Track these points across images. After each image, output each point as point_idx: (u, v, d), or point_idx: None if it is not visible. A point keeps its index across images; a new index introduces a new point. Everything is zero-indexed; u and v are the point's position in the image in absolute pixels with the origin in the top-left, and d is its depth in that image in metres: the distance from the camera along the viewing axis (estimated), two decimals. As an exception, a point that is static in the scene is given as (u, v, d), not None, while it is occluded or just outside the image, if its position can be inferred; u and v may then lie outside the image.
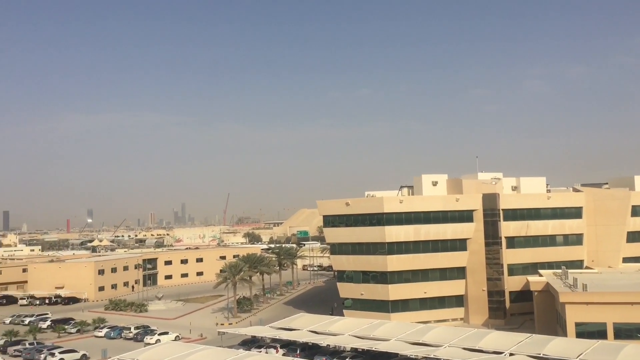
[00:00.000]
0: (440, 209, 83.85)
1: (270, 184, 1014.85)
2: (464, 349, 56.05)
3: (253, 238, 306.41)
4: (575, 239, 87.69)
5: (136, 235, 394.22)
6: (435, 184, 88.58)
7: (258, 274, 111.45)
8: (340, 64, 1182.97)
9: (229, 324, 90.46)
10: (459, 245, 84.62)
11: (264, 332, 70.48)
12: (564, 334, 60.69)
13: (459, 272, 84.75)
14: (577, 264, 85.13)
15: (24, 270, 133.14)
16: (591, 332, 58.72)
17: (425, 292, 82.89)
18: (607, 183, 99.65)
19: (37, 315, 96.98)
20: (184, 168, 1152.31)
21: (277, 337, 66.93)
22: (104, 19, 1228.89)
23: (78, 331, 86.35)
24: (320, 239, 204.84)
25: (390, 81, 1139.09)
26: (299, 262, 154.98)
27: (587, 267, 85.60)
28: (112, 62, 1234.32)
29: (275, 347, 65.52)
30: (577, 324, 59.92)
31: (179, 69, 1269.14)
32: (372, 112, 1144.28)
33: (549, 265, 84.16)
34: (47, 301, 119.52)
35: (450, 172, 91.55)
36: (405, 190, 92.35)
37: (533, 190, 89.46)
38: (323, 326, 69.01)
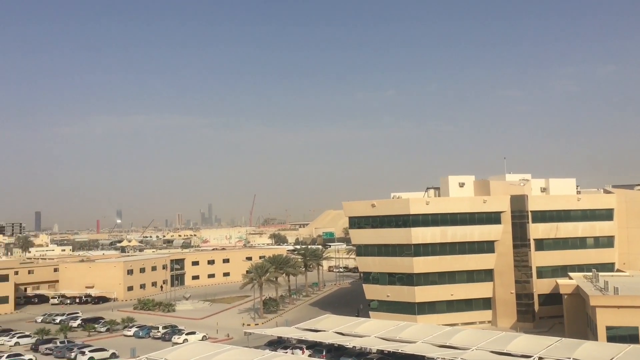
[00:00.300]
0: (467, 211, 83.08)
1: (296, 185, 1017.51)
2: (492, 352, 55.44)
3: (279, 239, 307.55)
4: (606, 242, 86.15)
5: (164, 236, 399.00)
6: (462, 185, 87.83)
7: (284, 275, 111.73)
8: (366, 65, 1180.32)
9: (255, 324, 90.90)
10: (486, 247, 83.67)
11: (290, 333, 70.66)
12: (595, 338, 59.64)
13: (486, 275, 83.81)
14: (608, 267, 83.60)
15: (55, 270, 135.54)
16: (622, 336, 57.62)
17: (452, 295, 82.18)
18: (639, 184, 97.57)
19: (68, 314, 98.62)
20: (211, 169, 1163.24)
21: (303, 338, 67.03)
22: (132, 20, 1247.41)
23: (107, 330, 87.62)
24: (346, 240, 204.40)
25: (417, 82, 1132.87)
26: (325, 264, 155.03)
27: (618, 270, 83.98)
28: (141, 65, 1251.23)
29: (301, 348, 65.61)
30: (608, 328, 58.85)
31: (206, 70, 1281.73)
32: (399, 113, 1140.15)
33: (579, 267, 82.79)
34: (77, 300, 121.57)
35: (477, 174, 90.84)
36: (431, 191, 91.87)
37: (562, 191, 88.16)
38: (349, 328, 68.94)
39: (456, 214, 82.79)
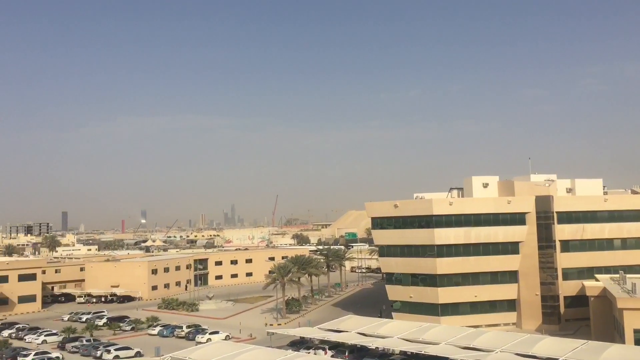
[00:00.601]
0: (492, 211, 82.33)
1: (319, 186, 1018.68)
2: (517, 354, 54.87)
3: (301, 239, 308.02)
4: (634, 243, 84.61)
5: (187, 236, 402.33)
6: (486, 185, 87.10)
7: (306, 275, 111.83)
8: (389, 65, 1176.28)
9: (278, 324, 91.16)
10: (510, 248, 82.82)
11: (313, 333, 70.77)
12: (622, 341, 58.55)
13: (510, 276, 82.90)
14: (636, 269, 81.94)
15: (82, 269, 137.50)
16: (651, 339, 56.53)
17: (475, 296, 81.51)
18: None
19: (94, 313, 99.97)
20: (234, 170, 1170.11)
21: (326, 339, 67.08)
22: (156, 20, 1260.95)
23: (132, 329, 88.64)
24: (369, 240, 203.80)
25: (441, 82, 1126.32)
26: (347, 264, 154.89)
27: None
28: (165, 66, 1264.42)
29: (323, 349, 65.66)
30: (636, 331, 57.74)
31: (229, 71, 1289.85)
32: (422, 113, 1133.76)
33: (606, 269, 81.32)
34: (103, 299, 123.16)
35: (501, 174, 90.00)
36: (455, 192, 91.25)
37: (589, 192, 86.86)
38: (372, 328, 68.80)
39: (480, 215, 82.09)
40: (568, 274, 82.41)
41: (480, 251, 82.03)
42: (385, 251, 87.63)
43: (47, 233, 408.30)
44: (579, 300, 77.77)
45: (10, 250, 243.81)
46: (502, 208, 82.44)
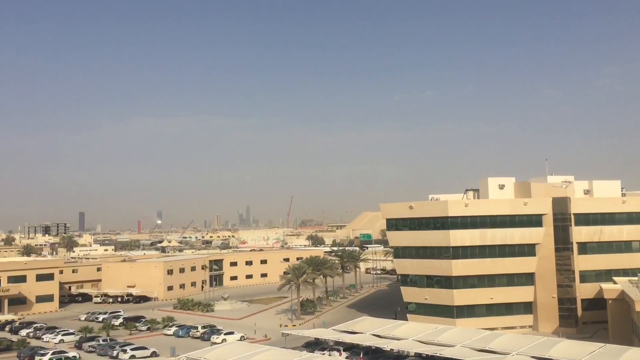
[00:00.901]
0: (508, 213, 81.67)
1: (333, 187, 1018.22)
2: (533, 357, 54.35)
3: (316, 241, 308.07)
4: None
5: (203, 237, 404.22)
6: (502, 187, 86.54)
7: (321, 276, 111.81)
8: (404, 67, 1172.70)
9: (293, 325, 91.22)
10: (527, 250, 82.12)
11: (327, 334, 70.72)
12: (641, 345, 57.85)
13: (527, 278, 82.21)
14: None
15: (98, 270, 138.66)
16: (671, 343, 55.75)
17: (491, 298, 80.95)
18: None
19: (110, 313, 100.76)
20: (249, 171, 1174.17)
21: (340, 340, 66.97)
22: (172, 20, 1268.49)
23: (148, 329, 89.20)
24: (384, 242, 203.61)
25: (455, 83, 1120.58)
26: (362, 265, 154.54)
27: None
28: (179, 67, 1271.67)
29: (338, 350, 65.55)
30: (655, 335, 57.04)
31: (244, 72, 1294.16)
32: (437, 114, 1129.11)
33: (624, 272, 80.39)
34: (119, 299, 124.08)
35: (517, 175, 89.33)
36: (470, 193, 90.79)
37: (607, 194, 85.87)
38: (386, 330, 68.58)
39: (496, 217, 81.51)
40: (585, 277, 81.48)
41: (496, 253, 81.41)
42: (400, 253, 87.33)
43: (65, 233, 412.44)
44: (597, 303, 76.92)
45: (28, 251, 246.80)
46: (519, 209, 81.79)
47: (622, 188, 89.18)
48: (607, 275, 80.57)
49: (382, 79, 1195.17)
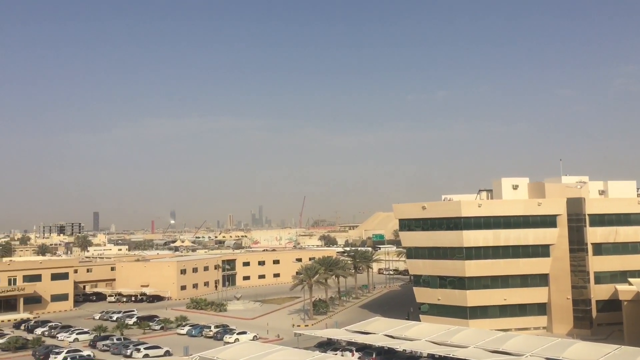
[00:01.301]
0: (521, 214, 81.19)
1: (346, 187, 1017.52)
2: (547, 359, 53.96)
3: (329, 241, 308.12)
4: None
5: (215, 237, 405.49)
6: (515, 187, 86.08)
7: (334, 276, 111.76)
8: (417, 66, 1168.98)
9: (305, 325, 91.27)
10: (541, 251, 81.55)
11: (340, 334, 70.67)
12: (657, 347, 57.16)
13: (541, 279, 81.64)
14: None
15: (112, 269, 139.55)
16: (687, 345, 55.07)
17: (505, 299, 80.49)
18: None
19: (124, 312, 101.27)
20: (261, 171, 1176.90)
21: (353, 340, 66.89)
22: (182, 19, 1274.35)
23: (162, 328, 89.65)
24: (396, 242, 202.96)
25: (469, 83, 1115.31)
26: (375, 266, 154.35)
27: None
28: (195, 67, 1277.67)
29: (350, 350, 65.51)
30: (672, 337, 56.37)
31: (258, 72, 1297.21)
32: (450, 114, 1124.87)
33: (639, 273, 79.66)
34: (133, 298, 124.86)
35: (531, 176, 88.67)
36: (484, 193, 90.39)
37: (622, 194, 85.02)
38: (399, 331, 68.42)
39: (510, 217, 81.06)
40: (600, 278, 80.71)
41: (509, 254, 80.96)
42: (413, 253, 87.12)
43: (79, 233, 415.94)
44: (612, 304, 76.20)
45: (43, 250, 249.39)
46: (533, 210, 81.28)
47: (637, 189, 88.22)
48: (622, 276, 79.79)
49: (395, 79, 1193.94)
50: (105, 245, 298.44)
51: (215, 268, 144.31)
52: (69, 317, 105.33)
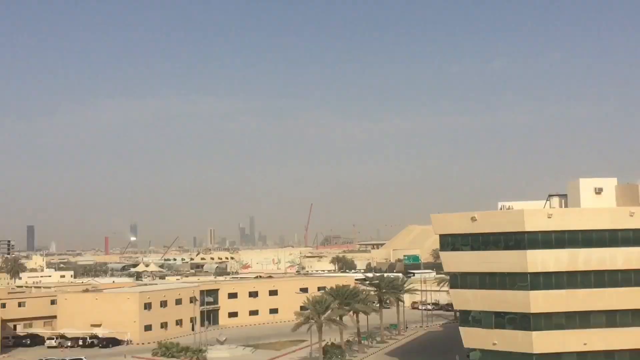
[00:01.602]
0: (608, 227, 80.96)
1: (367, 191, 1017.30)
2: None
3: (344, 264, 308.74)
4: None
5: (192, 259, 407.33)
6: (599, 191, 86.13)
7: (351, 313, 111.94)
8: (465, 26, 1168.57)
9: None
10: (634, 278, 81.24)
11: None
12: None
13: (635, 317, 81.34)
14: None
15: (53, 303, 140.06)
16: None
17: (585, 344, 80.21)
18: None
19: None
20: (253, 171, 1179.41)
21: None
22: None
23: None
24: (436, 266, 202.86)
25: (536, 48, 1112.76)
26: (407, 298, 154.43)
27: None
28: (158, 25, 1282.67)
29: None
30: None
31: (248, 31, 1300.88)
32: (510, 91, 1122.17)
33: None
34: (80, 342, 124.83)
35: (620, 176, 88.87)
36: (555, 200, 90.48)
37: None
38: (441, 387, 68.35)
39: (591, 232, 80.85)
40: None
41: (591, 282, 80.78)
42: (460, 281, 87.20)
43: (8, 254, 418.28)
44: None
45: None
46: (623, 222, 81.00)
47: None
48: None
49: (435, 43, 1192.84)
50: (43, 270, 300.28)
51: (191, 301, 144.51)
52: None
